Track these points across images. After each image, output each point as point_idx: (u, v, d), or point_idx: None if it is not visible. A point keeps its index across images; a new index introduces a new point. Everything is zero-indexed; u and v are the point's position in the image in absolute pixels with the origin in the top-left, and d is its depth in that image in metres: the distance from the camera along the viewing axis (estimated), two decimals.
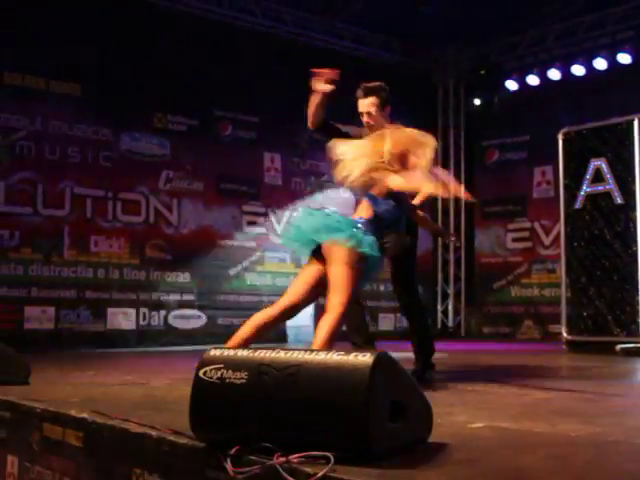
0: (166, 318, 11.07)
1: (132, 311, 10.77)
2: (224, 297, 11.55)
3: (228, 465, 2.53)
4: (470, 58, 13.90)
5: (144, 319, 10.87)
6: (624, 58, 11.85)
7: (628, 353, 8.43)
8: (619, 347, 8.57)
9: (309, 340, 11.93)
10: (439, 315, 14.16)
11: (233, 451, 2.55)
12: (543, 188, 13.07)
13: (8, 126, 9.98)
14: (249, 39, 11.69)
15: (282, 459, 2.41)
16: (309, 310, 12.11)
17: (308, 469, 2.33)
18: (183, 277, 11.25)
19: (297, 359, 2.60)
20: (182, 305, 11.25)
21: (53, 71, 10.26)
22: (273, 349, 2.72)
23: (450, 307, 14.17)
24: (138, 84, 10.74)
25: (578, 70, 12.39)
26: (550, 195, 12.74)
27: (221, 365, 2.70)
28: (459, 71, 14.15)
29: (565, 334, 9.48)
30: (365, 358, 2.48)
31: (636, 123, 8.92)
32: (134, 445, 3.11)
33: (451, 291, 14.17)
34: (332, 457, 2.33)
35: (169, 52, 10.93)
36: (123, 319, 10.68)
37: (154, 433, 3.03)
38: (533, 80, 13.01)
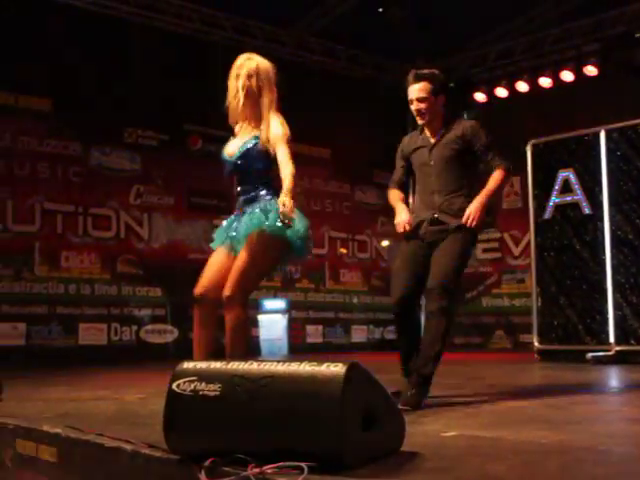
0: (138, 333, 11.04)
1: (104, 326, 10.74)
2: None
3: (202, 477, 2.53)
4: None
5: (116, 334, 10.83)
6: (590, 70, 12.00)
7: (598, 361, 8.52)
8: (589, 355, 8.66)
9: (282, 353, 11.95)
10: None
11: (207, 463, 2.55)
12: (512, 199, 13.18)
13: None
14: (219, 53, 11.71)
15: (256, 470, 2.42)
16: (283, 323, 12.13)
17: (282, 479, 2.34)
18: (154, 292, 11.23)
19: (270, 370, 2.62)
20: (154, 320, 11.22)
21: (22, 86, 10.22)
22: (246, 361, 2.74)
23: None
24: (109, 99, 10.71)
25: (545, 82, 12.53)
26: (518, 206, 12.87)
27: (194, 377, 2.72)
28: None
29: (536, 343, 9.55)
30: (337, 368, 2.50)
31: (602, 135, 9.05)
32: (109, 460, 3.10)
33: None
34: (305, 467, 2.35)
35: (140, 67, 10.94)
36: (94, 334, 10.64)
37: (128, 447, 3.03)
38: (501, 92, 13.14)
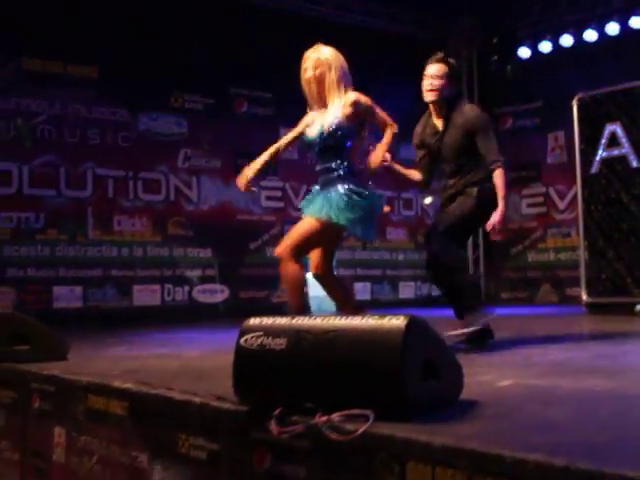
0: (190, 293, 11.27)
1: (157, 287, 10.99)
2: (245, 271, 11.70)
3: (272, 425, 2.65)
4: (483, 26, 13.88)
5: (169, 295, 11.07)
6: (637, 22, 11.82)
7: None
8: (638, 307, 8.69)
9: (331, 310, 12.07)
10: None
11: (277, 412, 2.67)
12: (556, 153, 13.13)
13: (29, 110, 10.13)
14: (260, 15, 11.73)
15: (324, 418, 2.53)
16: None
17: (349, 426, 2.45)
18: (205, 252, 11.43)
19: (334, 324, 2.72)
20: (205, 280, 11.43)
21: (70, 55, 10.37)
22: (310, 316, 2.87)
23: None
24: (154, 64, 10.81)
25: (590, 36, 12.37)
26: (563, 160, 12.82)
27: (261, 333, 2.84)
28: (472, 40, 14.15)
29: (584, 296, 9.59)
30: (399, 321, 2.60)
31: None
32: (179, 412, 3.26)
33: (470, 258, 14.24)
34: (371, 415, 2.45)
35: (183, 31, 10.99)
36: (148, 295, 10.90)
37: (197, 400, 3.19)
38: (546, 47, 13.02)
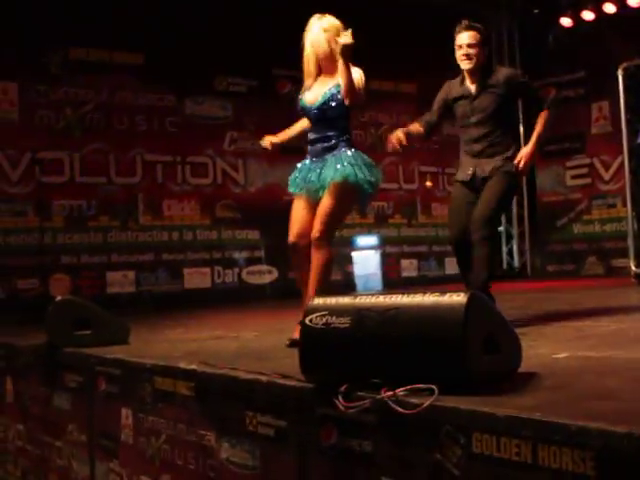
0: (239, 275, 11.41)
1: (207, 270, 11.15)
2: None
3: (339, 401, 2.74)
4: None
5: (219, 277, 11.23)
6: None
7: None
8: None
9: (377, 288, 12.14)
10: (504, 256, 14.25)
11: (343, 388, 2.76)
12: (601, 124, 13.02)
13: (77, 100, 10.31)
14: None
15: (389, 393, 2.61)
16: (376, 258, 12.33)
17: (415, 400, 2.53)
18: (253, 234, 11.55)
19: (395, 302, 2.79)
20: (253, 262, 11.56)
21: (115, 43, 10.49)
22: (372, 295, 2.96)
23: (515, 247, 14.25)
24: (197, 48, 10.89)
25: (633, 1, 12.20)
26: (608, 130, 12.71)
27: (325, 312, 2.92)
28: (512, 11, 14.06)
29: (633, 267, 9.57)
30: (459, 298, 2.68)
31: None
32: (245, 391, 3.36)
33: (515, 231, 14.24)
34: (436, 389, 2.52)
35: (224, 14, 11.04)
36: (199, 278, 11.06)
37: (264, 378, 3.30)
38: (588, 15, 12.87)
